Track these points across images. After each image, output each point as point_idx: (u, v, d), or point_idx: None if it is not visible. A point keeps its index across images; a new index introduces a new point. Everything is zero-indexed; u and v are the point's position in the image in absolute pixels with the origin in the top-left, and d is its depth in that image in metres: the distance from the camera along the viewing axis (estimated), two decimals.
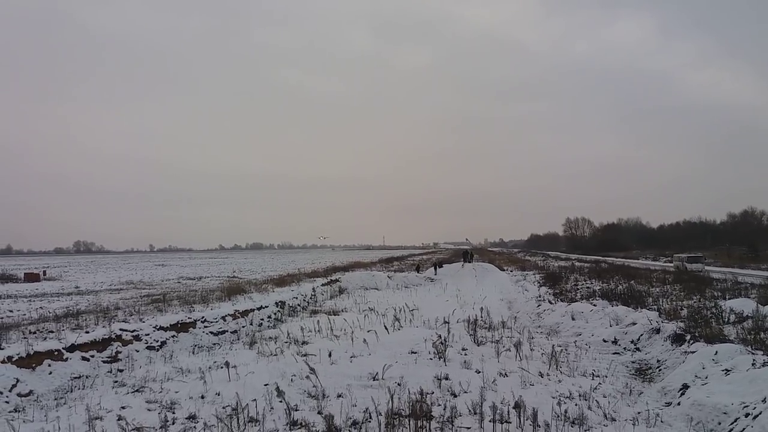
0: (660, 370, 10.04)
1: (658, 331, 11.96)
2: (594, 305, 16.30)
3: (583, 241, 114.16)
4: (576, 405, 7.58)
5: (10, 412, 8.20)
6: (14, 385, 9.01)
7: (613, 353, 11.83)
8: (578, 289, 24.57)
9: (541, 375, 9.43)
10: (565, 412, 7.13)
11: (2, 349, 10.29)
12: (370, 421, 7.00)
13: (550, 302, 19.54)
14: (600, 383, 8.99)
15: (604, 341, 12.68)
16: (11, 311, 21.01)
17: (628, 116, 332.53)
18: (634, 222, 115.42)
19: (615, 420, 7.17)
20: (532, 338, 12.92)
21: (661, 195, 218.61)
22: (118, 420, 7.24)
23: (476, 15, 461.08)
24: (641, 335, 12.27)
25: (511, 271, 42.31)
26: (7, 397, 8.70)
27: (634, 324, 12.94)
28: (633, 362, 10.99)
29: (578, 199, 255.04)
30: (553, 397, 8.01)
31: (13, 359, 9.57)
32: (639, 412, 7.43)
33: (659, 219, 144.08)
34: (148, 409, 7.92)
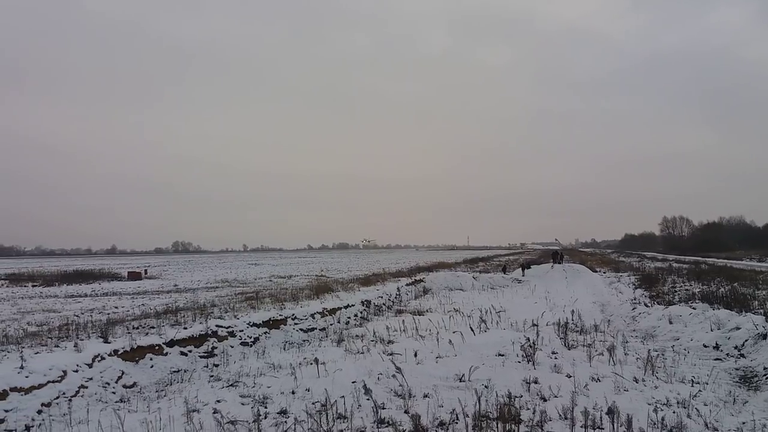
0: (767, 379, 9.39)
1: (765, 336, 11.16)
2: (693, 308, 15.43)
3: (681, 241, 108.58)
4: (674, 413, 7.22)
5: (116, 402, 8.78)
6: (120, 377, 9.64)
7: (715, 359, 11.16)
8: (676, 291, 23.32)
9: (636, 380, 9.05)
10: (662, 419, 6.80)
11: (109, 343, 10.97)
12: (457, 423, 6.97)
13: (645, 305, 18.70)
14: (700, 390, 8.51)
15: (705, 346, 11.99)
16: (116, 308, 22.36)
17: (726, 108, 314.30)
18: (737, 220, 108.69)
19: (717, 430, 6.75)
20: (627, 342, 12.41)
21: (766, 191, 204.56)
22: (214, 413, 7.58)
23: (558, 8, 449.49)
24: (746, 341, 11.49)
25: (604, 273, 40.69)
26: (114, 388, 9.31)
27: (738, 329, 12.14)
28: (736, 369, 10.31)
29: (675, 197, 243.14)
30: (649, 404, 7.66)
31: (119, 352, 10.24)
32: (744, 423, 6.96)
33: (765, 217, 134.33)
34: (242, 403, 8.24)
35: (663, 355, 11.14)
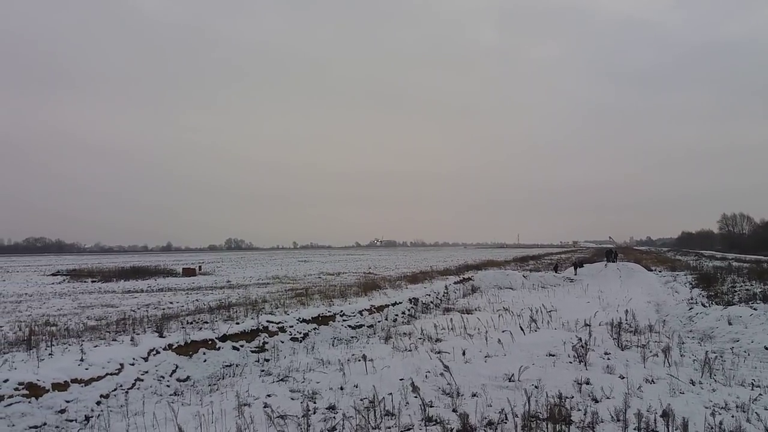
0: None
1: None
2: (754, 309, 14.83)
3: (742, 239, 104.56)
4: (733, 417, 6.97)
5: (170, 395, 9.04)
6: (174, 371, 9.92)
7: None
8: (736, 291, 22.46)
9: (693, 383, 8.77)
10: (720, 423, 6.57)
11: (164, 337, 11.24)
12: (506, 423, 6.90)
13: (703, 305, 18.07)
14: (761, 394, 8.17)
15: (766, 348, 11.53)
16: (171, 303, 22.85)
17: None
18: None
19: None
20: (683, 343, 12.05)
21: None
22: (265, 407, 7.73)
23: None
24: None
25: (660, 272, 39.53)
26: (168, 381, 9.59)
27: None
28: None
29: (735, 193, 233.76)
30: (706, 407, 7.42)
31: (173, 347, 10.53)
32: None
33: None
34: (292, 398, 8.38)
35: (721, 357, 10.77)
